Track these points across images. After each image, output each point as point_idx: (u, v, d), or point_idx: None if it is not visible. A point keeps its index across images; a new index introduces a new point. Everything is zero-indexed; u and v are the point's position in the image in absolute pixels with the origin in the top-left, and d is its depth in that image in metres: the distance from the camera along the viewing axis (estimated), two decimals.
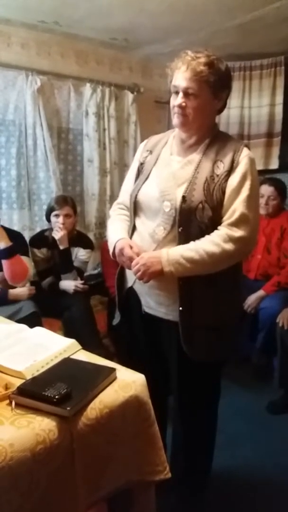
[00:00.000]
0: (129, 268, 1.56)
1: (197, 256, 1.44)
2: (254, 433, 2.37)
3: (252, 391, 2.79)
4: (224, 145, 1.54)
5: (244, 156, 1.51)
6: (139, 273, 1.49)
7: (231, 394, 2.50)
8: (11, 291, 2.41)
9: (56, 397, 1.04)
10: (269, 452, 2.21)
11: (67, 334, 2.34)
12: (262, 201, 2.97)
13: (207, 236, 1.47)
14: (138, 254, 1.52)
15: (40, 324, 2.08)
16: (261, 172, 3.40)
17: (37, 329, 1.55)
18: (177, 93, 1.51)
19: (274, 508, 1.86)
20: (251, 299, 2.86)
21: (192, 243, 1.47)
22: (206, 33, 3.00)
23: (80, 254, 2.91)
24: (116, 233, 1.65)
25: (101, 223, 3.48)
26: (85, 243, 2.97)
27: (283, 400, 2.60)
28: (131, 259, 1.52)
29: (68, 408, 1.03)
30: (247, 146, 1.56)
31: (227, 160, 1.50)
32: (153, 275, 1.48)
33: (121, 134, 3.57)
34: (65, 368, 1.24)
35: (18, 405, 1.06)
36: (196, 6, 2.63)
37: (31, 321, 1.94)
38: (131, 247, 1.55)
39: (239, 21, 2.83)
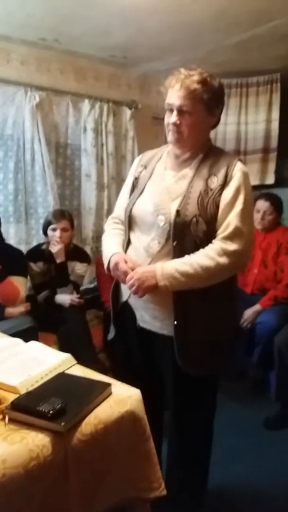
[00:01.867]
0: (124, 283, 1.56)
1: (191, 270, 1.44)
2: (250, 448, 2.35)
3: (248, 406, 2.76)
4: (217, 159, 1.56)
5: (238, 170, 1.52)
6: (133, 288, 1.49)
7: (227, 408, 2.48)
8: (8, 309, 2.44)
9: (51, 412, 1.03)
10: (265, 468, 2.18)
11: (63, 348, 2.32)
12: (258, 216, 2.99)
13: (201, 250, 1.48)
14: (133, 269, 1.52)
15: (37, 339, 2.06)
16: (257, 187, 3.45)
17: (32, 343, 1.54)
18: (171, 110, 1.53)
19: None
20: (248, 314, 2.86)
21: (186, 257, 1.48)
22: (204, 51, 3.05)
23: (76, 268, 2.90)
24: (111, 247, 1.66)
25: (98, 237, 3.48)
26: (82, 257, 2.97)
27: (279, 416, 2.58)
28: (125, 274, 1.52)
29: (63, 424, 1.02)
30: (241, 160, 1.58)
31: (220, 174, 1.52)
32: (147, 289, 1.48)
33: (119, 150, 3.61)
34: (60, 383, 1.23)
35: (11, 420, 1.05)
36: (193, 25, 2.68)
37: (28, 335, 1.93)
38: (125, 262, 1.55)
39: (236, 40, 2.89)
